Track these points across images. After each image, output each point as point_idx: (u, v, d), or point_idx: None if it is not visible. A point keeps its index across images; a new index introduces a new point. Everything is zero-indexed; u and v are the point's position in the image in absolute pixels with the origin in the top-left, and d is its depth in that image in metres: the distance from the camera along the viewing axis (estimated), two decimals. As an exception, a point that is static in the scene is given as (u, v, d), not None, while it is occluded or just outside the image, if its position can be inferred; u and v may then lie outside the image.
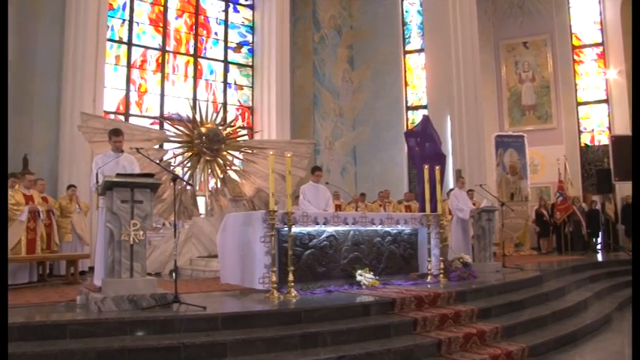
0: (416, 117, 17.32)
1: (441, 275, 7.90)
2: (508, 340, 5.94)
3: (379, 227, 7.95)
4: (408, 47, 18.08)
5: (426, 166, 8.45)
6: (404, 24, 18.15)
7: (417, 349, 5.27)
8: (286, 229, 6.63)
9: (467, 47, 15.08)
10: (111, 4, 13.86)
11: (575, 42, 17.60)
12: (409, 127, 16.92)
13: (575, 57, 17.56)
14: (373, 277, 7.43)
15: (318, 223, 7.30)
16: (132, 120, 13.84)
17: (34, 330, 4.83)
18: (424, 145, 10.06)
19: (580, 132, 17.33)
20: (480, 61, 15.73)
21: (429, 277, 7.91)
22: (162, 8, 15.13)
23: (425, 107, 16.66)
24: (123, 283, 5.49)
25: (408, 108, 17.80)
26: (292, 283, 6.38)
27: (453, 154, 14.34)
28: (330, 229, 7.47)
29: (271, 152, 6.72)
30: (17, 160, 11.67)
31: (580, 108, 17.41)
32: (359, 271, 7.42)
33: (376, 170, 17.35)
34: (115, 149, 6.78)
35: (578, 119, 17.33)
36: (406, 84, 17.91)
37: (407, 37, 18.11)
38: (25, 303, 6.34)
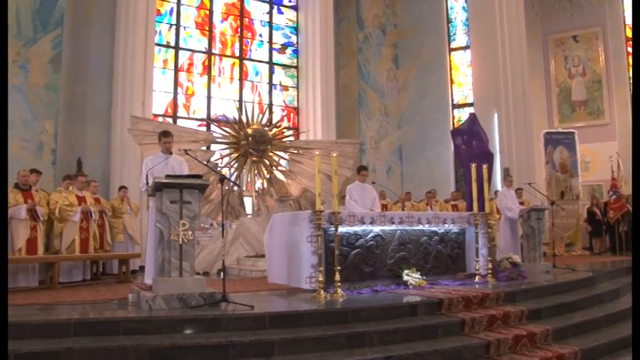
0: (462, 115, 17.09)
1: (489, 275, 7.78)
2: (559, 343, 5.79)
3: (426, 227, 7.88)
4: (454, 44, 17.84)
5: (474, 165, 8.32)
6: (449, 21, 17.92)
7: (465, 350, 5.20)
8: (333, 228, 6.63)
9: (514, 43, 14.77)
10: (158, 10, 14.16)
11: (629, 34, 17.00)
12: (455, 126, 16.71)
13: (630, 49, 16.97)
14: (420, 277, 7.37)
15: (364, 223, 7.29)
16: (180, 122, 14.09)
17: (89, 326, 5.00)
18: (471, 144, 9.92)
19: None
20: (528, 57, 15.37)
21: (477, 277, 7.79)
22: (207, 12, 15.37)
23: (471, 105, 16.42)
24: (172, 282, 5.60)
25: (454, 106, 17.57)
26: (339, 283, 6.38)
27: (500, 152, 14.08)
28: (377, 229, 7.44)
29: (317, 152, 6.73)
30: (72, 163, 12.07)
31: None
32: (406, 271, 7.37)
33: (422, 169, 17.18)
34: (164, 150, 6.90)
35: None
36: (452, 82, 17.68)
37: (452, 34, 17.88)
38: (80, 300, 6.57)
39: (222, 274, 6.32)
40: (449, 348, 5.14)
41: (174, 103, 14.45)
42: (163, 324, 5.03)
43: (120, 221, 10.36)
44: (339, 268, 6.46)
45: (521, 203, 11.13)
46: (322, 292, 6.23)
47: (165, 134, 6.91)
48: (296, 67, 16.65)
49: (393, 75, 18.00)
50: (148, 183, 6.20)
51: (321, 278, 6.35)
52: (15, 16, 11.99)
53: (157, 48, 13.99)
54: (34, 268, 8.32)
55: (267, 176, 11.45)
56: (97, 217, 9.41)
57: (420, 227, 7.83)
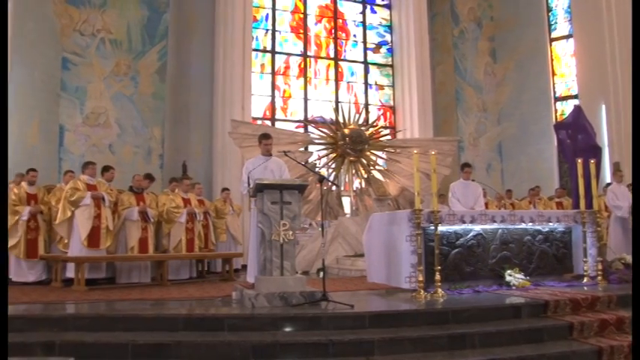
0: (565, 108, 16.25)
1: (600, 277, 7.36)
2: (681, 351, 5.39)
3: (529, 225, 7.59)
4: (554, 34, 17.00)
5: (579, 160, 7.92)
6: (549, 9, 17.11)
7: (574, 356, 4.95)
8: (432, 227, 6.55)
9: (622, 29, 13.85)
10: (255, 17, 14.59)
11: None
12: (558, 119, 15.94)
13: None
14: (523, 277, 7.11)
15: (464, 222, 7.13)
16: (278, 124, 14.43)
17: (196, 321, 5.26)
18: (576, 138, 9.43)
19: None
20: (639, 44, 14.39)
21: (586, 278, 7.39)
22: (302, 15, 15.64)
23: (575, 97, 15.61)
24: (274, 280, 5.75)
25: (557, 99, 16.76)
26: (439, 283, 6.29)
27: (609, 145, 13.29)
28: (478, 228, 7.26)
29: (415, 151, 6.68)
30: (177, 166, 12.71)
31: None
32: (508, 271, 7.14)
33: (523, 166, 16.53)
34: (264, 152, 7.02)
35: None
36: (553, 73, 16.87)
37: (552, 23, 17.06)
38: (187, 296, 6.90)
39: (321, 273, 6.41)
40: (556, 353, 4.91)
41: (272, 106, 14.82)
42: (265, 321, 5.18)
43: (223, 222, 10.77)
44: (439, 267, 6.37)
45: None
46: (422, 291, 6.17)
47: (265, 137, 7.06)
48: (391, 66, 16.57)
49: (490, 69, 17.46)
50: (249, 184, 6.40)
51: (420, 278, 6.29)
52: (126, 32, 12.83)
53: (254, 53, 14.40)
54: (147, 265, 8.84)
55: (365, 176, 11.47)
56: (201, 217, 9.82)
57: (523, 226, 7.56)
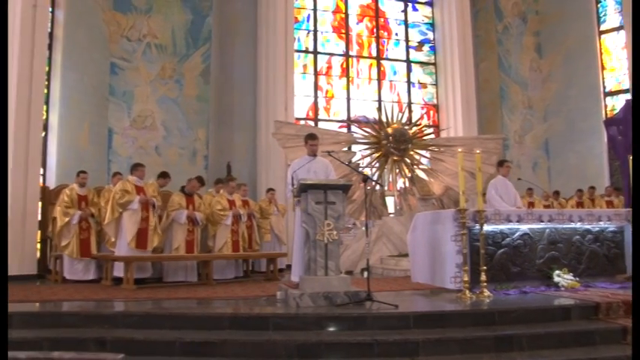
0: (616, 103, 15.77)
1: (655, 277, 7.13)
2: None
3: (578, 225, 7.42)
4: (604, 26, 16.49)
5: (631, 157, 7.68)
6: (597, 1, 16.62)
7: (629, 360, 4.82)
8: (477, 227, 6.48)
9: (677, 21, 13.38)
10: (296, 18, 14.66)
11: None
12: (609, 115, 15.48)
13: None
14: (573, 278, 6.96)
15: (511, 221, 7.03)
16: (321, 124, 14.46)
17: (241, 320, 5.34)
18: (628, 134, 9.15)
19: None
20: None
21: None
22: (343, 15, 15.63)
23: (627, 92, 15.13)
24: (319, 280, 5.78)
25: (607, 94, 16.26)
26: (485, 283, 6.22)
27: (663, 141, 12.82)
28: (524, 227, 7.14)
29: (460, 149, 6.61)
30: (222, 167, 12.89)
31: None
32: (556, 272, 7.00)
33: (571, 163, 16.10)
34: (310, 153, 7.03)
35: None
36: (603, 67, 16.39)
37: (602, 15, 16.56)
38: (233, 296, 7.01)
39: (365, 273, 6.41)
40: (609, 357, 4.78)
41: (315, 106, 14.87)
42: (310, 321, 5.22)
43: (267, 222, 10.87)
44: (484, 267, 6.29)
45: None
46: (467, 292, 6.11)
47: (311, 137, 7.06)
48: (434, 64, 16.40)
49: (536, 65, 17.07)
50: (293, 185, 6.44)
51: (466, 278, 6.23)
52: (171, 36, 13.12)
53: (296, 54, 14.47)
54: (193, 265, 8.99)
55: (409, 175, 11.40)
56: (245, 219, 9.93)
57: (572, 225, 7.39)
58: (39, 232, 10.12)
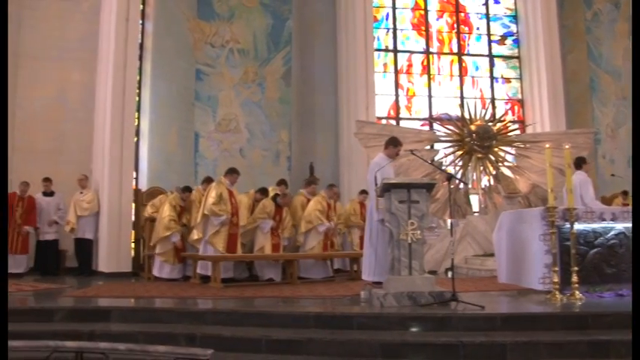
0: None
1: None
2: None
3: (680, 223, 6.97)
4: None
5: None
6: (699, -16, 15.54)
7: None
8: (568, 226, 6.23)
9: None
10: (375, 17, 14.61)
11: None
12: None
13: None
14: (675, 280, 6.54)
15: (604, 220, 6.70)
16: (402, 123, 14.35)
17: (326, 320, 5.39)
18: None
19: None
20: None
21: None
22: (423, 12, 15.43)
23: None
24: (402, 280, 5.76)
25: None
26: (576, 285, 5.97)
27: None
28: (620, 226, 6.78)
29: (547, 145, 6.40)
30: (305, 168, 13.07)
31: None
32: (657, 273, 6.61)
33: (673, 157, 15.11)
34: (392, 156, 6.95)
35: None
36: None
37: None
38: (317, 295, 7.13)
39: (450, 273, 6.32)
40: None
41: (397, 105, 14.77)
42: (394, 321, 5.21)
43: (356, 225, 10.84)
44: (576, 268, 6.04)
45: None
46: (557, 294, 5.90)
47: (399, 143, 7.00)
48: (518, 58, 15.87)
49: (630, 53, 16.14)
50: (376, 184, 6.44)
51: (556, 279, 6.01)
52: (252, 41, 13.47)
53: (376, 53, 14.42)
54: (278, 264, 9.16)
55: (494, 173, 11.13)
56: (332, 226, 9.94)
57: (674, 224, 6.95)
58: (133, 232, 10.67)
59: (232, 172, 9.06)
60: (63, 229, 10.49)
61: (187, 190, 9.66)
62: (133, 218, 10.72)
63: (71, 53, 11.39)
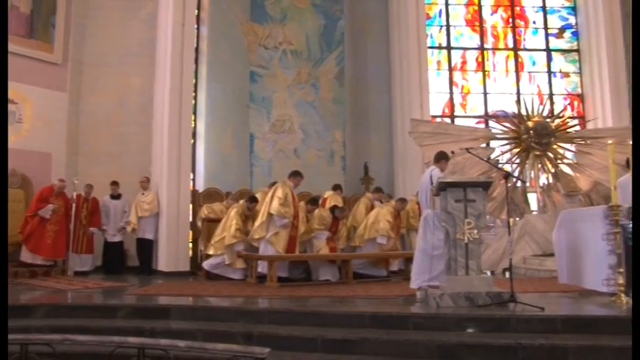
0: None
1: None
2: None
3: None
4: None
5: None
6: None
7: None
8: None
9: None
10: (428, 14, 14.45)
11: None
12: None
13: None
14: None
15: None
16: (457, 121, 14.15)
17: (381, 319, 5.40)
18: None
19: None
20: None
21: None
22: (476, 8, 15.16)
23: None
24: (459, 280, 5.69)
25: None
26: (643, 286, 5.74)
27: None
28: (690, 225, 6.48)
29: (610, 141, 6.19)
30: (359, 168, 13.08)
31: None
32: None
33: None
34: (440, 168, 6.82)
35: None
36: None
37: None
38: (373, 295, 7.12)
39: (508, 273, 6.20)
40: None
41: (451, 103, 14.57)
42: (451, 321, 5.15)
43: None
44: (642, 269, 5.81)
45: None
46: (623, 296, 5.69)
47: (448, 158, 6.89)
48: (577, 51, 15.37)
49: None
50: (432, 183, 6.38)
51: (621, 281, 5.80)
52: (305, 41, 13.57)
53: (429, 51, 14.26)
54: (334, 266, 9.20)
55: (553, 170, 10.86)
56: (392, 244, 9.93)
57: None
58: (190, 232, 10.91)
59: (297, 175, 9.14)
60: (126, 230, 10.84)
61: (254, 200, 9.77)
62: (190, 219, 10.96)
63: (130, 59, 11.73)
